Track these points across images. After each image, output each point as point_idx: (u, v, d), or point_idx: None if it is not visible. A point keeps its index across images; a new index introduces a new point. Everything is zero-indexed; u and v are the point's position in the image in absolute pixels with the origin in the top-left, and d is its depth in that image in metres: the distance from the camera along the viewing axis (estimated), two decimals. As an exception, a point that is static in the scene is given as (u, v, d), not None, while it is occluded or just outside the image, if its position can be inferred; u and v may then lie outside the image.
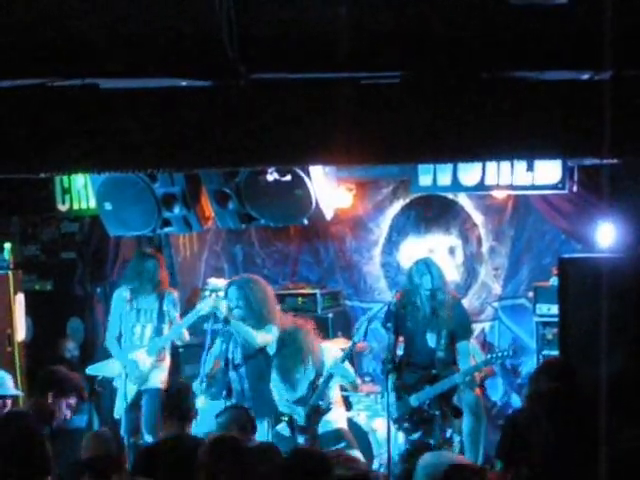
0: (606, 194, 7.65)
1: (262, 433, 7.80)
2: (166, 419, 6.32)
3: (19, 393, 7.11)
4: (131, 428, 8.43)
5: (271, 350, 8.14)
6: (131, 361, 8.52)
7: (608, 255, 7.60)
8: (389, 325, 7.97)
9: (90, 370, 8.95)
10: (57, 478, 5.44)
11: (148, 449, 6.60)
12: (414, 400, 7.95)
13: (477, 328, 9.24)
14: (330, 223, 9.36)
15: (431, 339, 8.03)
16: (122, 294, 8.71)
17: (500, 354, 7.79)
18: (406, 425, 8.03)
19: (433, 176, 8.32)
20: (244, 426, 6.46)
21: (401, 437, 8.07)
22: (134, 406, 8.55)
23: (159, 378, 8.63)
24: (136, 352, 8.59)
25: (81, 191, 8.62)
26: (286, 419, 8.06)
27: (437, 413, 7.81)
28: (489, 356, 7.98)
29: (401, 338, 8.22)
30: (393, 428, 7.84)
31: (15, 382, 7.36)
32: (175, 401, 6.36)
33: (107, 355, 9.13)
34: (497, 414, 9.38)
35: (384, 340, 8.47)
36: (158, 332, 8.64)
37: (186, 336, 8.62)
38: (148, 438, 8.42)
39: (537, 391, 6.32)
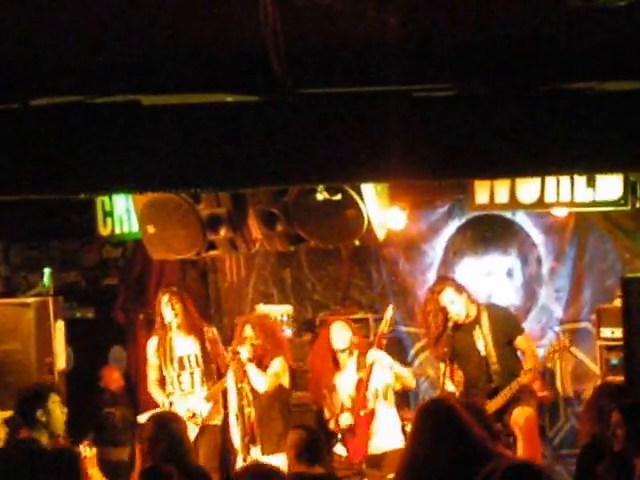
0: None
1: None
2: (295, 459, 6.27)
3: None
4: None
5: None
6: (185, 410, 8.16)
7: (674, 274, 7.40)
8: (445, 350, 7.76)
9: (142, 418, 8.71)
10: None
11: None
12: None
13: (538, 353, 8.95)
14: (383, 245, 9.11)
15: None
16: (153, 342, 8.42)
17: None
18: None
19: (490, 194, 8.12)
20: None
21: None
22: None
23: (214, 416, 8.39)
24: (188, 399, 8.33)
25: (123, 215, 8.45)
26: None
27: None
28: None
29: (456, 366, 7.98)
30: None
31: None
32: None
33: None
34: (560, 444, 9.14)
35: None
36: (209, 375, 8.39)
37: None
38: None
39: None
